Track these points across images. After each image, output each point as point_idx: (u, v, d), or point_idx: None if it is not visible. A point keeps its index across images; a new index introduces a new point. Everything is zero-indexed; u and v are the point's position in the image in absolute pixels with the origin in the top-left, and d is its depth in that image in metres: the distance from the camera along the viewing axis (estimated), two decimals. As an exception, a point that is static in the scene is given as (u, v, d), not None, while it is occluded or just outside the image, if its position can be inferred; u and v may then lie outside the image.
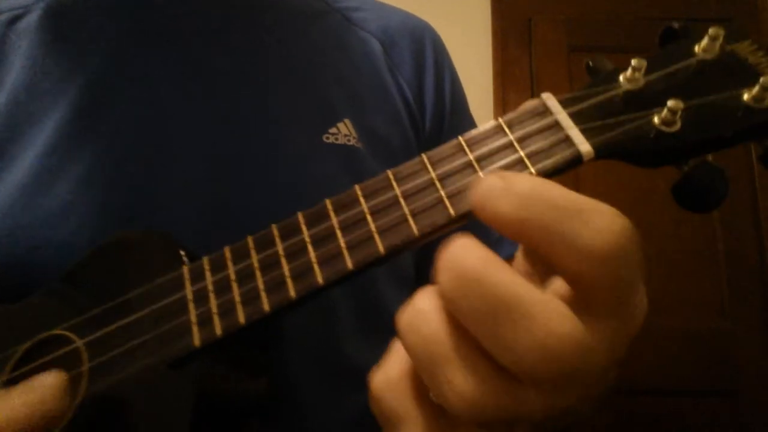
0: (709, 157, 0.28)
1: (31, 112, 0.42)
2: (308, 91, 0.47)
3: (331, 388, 0.42)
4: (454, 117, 0.55)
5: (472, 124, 0.58)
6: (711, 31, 0.28)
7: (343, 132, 0.46)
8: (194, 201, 0.41)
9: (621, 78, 0.29)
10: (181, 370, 0.30)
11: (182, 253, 0.33)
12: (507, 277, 0.21)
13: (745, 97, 0.27)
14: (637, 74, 0.28)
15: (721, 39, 0.28)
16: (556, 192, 0.22)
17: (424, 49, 0.55)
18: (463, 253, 0.22)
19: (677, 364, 1.60)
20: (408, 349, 0.23)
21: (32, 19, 0.46)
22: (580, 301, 0.22)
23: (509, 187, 0.22)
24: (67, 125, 0.41)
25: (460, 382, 0.21)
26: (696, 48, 0.29)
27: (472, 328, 0.21)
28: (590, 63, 0.31)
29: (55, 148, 0.41)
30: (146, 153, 0.42)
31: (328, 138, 0.46)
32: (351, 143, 0.46)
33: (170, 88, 0.44)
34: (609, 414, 1.48)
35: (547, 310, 0.20)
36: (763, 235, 1.68)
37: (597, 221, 0.22)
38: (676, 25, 0.30)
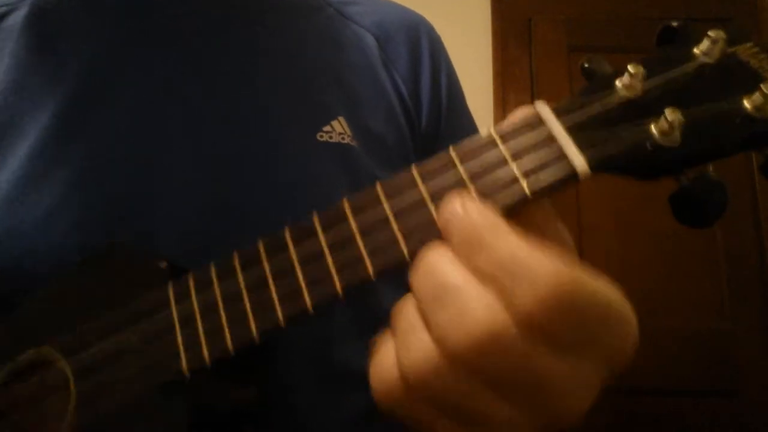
0: (710, 167, 0.27)
1: (17, 114, 0.41)
2: (303, 89, 0.47)
3: (327, 391, 0.41)
4: (451, 113, 0.54)
5: (470, 120, 0.58)
6: (711, 33, 0.27)
7: (338, 130, 0.46)
8: (191, 202, 0.40)
9: (618, 84, 0.28)
10: (171, 393, 0.29)
11: (163, 265, 0.32)
12: (450, 269, 0.25)
13: (746, 104, 0.26)
14: (634, 81, 0.27)
15: (721, 42, 0.27)
16: (501, 243, 0.24)
17: (420, 43, 0.54)
18: (428, 252, 0.26)
19: (677, 364, 1.60)
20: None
21: (18, 17, 0.45)
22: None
23: (466, 218, 0.25)
24: (54, 127, 0.40)
25: (409, 352, 0.26)
26: (695, 50, 0.28)
27: (421, 306, 0.26)
28: (586, 64, 0.30)
29: (42, 152, 0.40)
30: (141, 153, 0.41)
31: (322, 136, 0.45)
32: (345, 141, 0.46)
33: (166, 87, 0.43)
34: (609, 414, 1.48)
35: (475, 299, 0.24)
36: (763, 235, 1.68)
37: (533, 281, 0.23)
38: (675, 23, 0.29)
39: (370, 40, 0.52)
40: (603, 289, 0.24)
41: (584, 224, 1.67)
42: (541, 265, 0.23)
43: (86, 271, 0.34)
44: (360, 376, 0.43)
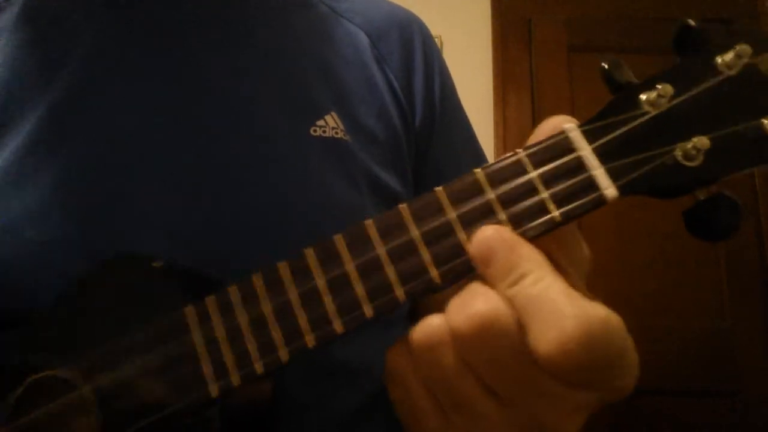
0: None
1: (7, 113, 0.41)
2: (295, 84, 0.46)
3: (317, 388, 0.41)
4: (445, 109, 0.53)
5: (464, 117, 0.57)
6: (738, 48, 0.28)
7: (331, 125, 0.45)
8: (181, 201, 0.40)
9: (644, 99, 0.28)
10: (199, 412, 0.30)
11: (157, 264, 0.32)
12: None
13: (765, 123, 0.27)
14: (661, 100, 0.28)
15: (746, 57, 0.28)
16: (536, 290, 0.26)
17: (413, 40, 0.54)
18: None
19: (677, 364, 1.60)
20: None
21: (11, 15, 0.45)
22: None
23: (505, 247, 0.27)
24: (43, 128, 0.40)
25: (419, 328, 0.28)
26: (719, 61, 0.28)
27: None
28: (605, 66, 0.30)
29: (30, 151, 0.40)
30: (125, 155, 0.40)
31: (315, 131, 0.44)
32: (339, 136, 0.45)
33: (154, 85, 0.43)
34: (609, 414, 1.48)
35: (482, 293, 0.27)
36: (763, 235, 1.68)
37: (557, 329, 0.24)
38: (692, 23, 0.29)
39: (362, 37, 0.52)
40: (620, 339, 0.25)
41: (584, 224, 1.66)
42: (568, 310, 0.24)
43: (91, 283, 0.33)
44: (350, 374, 0.43)
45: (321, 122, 0.45)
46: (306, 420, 0.40)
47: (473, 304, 0.26)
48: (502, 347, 0.25)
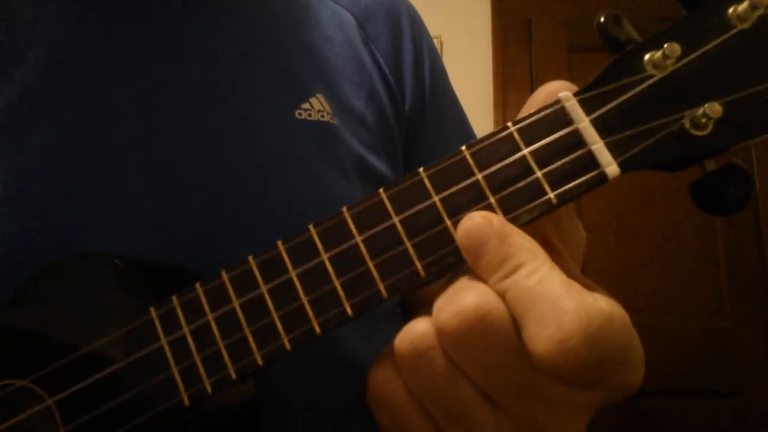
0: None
1: None
2: (278, 66, 0.45)
3: (308, 384, 0.40)
4: (435, 90, 0.52)
5: (454, 98, 0.56)
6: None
7: (316, 108, 0.44)
8: (160, 189, 0.38)
9: (647, 60, 0.25)
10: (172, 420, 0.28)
11: (118, 262, 0.30)
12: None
13: None
14: (667, 61, 0.25)
15: (762, 8, 0.25)
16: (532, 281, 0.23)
17: (401, 21, 0.52)
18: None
19: (677, 364, 1.60)
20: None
21: None
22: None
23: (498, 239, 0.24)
24: (6, 120, 0.38)
25: (404, 332, 0.26)
26: (731, 12, 0.25)
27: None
28: (602, 19, 0.27)
29: None
30: (100, 140, 0.38)
31: (300, 114, 0.43)
32: (325, 119, 0.44)
33: (129, 69, 0.40)
34: (609, 414, 1.48)
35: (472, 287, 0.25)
36: (763, 235, 1.68)
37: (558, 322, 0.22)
38: None
39: (349, 18, 0.50)
40: (624, 334, 0.23)
41: (584, 224, 1.66)
42: (567, 304, 0.22)
43: (45, 285, 0.31)
44: (338, 372, 0.41)
45: (306, 105, 0.43)
46: (293, 419, 0.39)
47: (461, 299, 0.23)
48: (495, 345, 0.23)
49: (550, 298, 0.22)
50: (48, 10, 0.42)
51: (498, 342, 0.23)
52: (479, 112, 1.85)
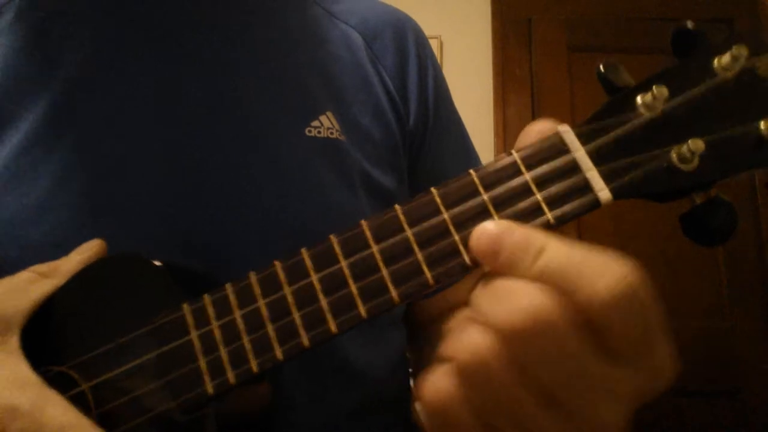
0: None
1: (4, 114, 0.41)
2: (290, 84, 0.47)
3: (317, 387, 0.41)
4: (438, 109, 0.54)
5: (456, 116, 0.58)
6: (735, 50, 0.28)
7: (326, 125, 0.46)
8: (177, 201, 0.40)
9: (639, 101, 0.28)
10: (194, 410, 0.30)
11: (158, 263, 0.33)
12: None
13: (762, 127, 0.27)
14: (657, 102, 0.28)
15: (743, 59, 0.28)
16: (563, 252, 0.25)
17: (407, 41, 0.54)
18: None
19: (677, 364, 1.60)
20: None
21: (7, 18, 0.45)
22: (598, 344, 0.24)
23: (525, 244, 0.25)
24: (42, 127, 0.41)
25: (456, 341, 0.26)
26: (716, 63, 0.28)
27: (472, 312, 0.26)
28: (602, 69, 0.29)
29: (29, 149, 0.40)
30: (122, 152, 0.41)
31: (310, 131, 0.45)
32: (334, 136, 0.46)
33: (150, 84, 0.43)
34: (609, 414, 1.48)
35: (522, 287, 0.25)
36: (763, 235, 1.68)
37: (602, 275, 0.24)
38: (689, 25, 0.29)
39: (357, 38, 0.52)
40: (649, 291, 0.24)
41: (584, 224, 1.67)
42: (600, 266, 0.23)
43: (89, 282, 0.33)
44: (346, 375, 0.43)
45: (316, 122, 0.45)
46: (302, 420, 0.40)
47: (512, 299, 0.24)
48: (556, 330, 0.24)
49: (589, 257, 0.24)
50: (82, 22, 0.45)
51: (558, 324, 0.24)
52: (479, 112, 1.85)
